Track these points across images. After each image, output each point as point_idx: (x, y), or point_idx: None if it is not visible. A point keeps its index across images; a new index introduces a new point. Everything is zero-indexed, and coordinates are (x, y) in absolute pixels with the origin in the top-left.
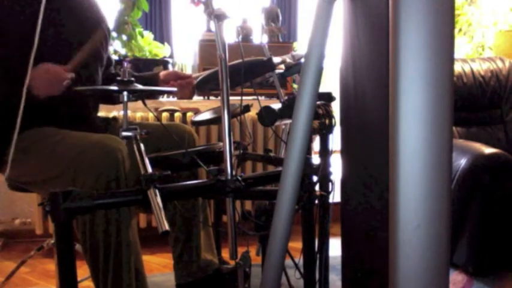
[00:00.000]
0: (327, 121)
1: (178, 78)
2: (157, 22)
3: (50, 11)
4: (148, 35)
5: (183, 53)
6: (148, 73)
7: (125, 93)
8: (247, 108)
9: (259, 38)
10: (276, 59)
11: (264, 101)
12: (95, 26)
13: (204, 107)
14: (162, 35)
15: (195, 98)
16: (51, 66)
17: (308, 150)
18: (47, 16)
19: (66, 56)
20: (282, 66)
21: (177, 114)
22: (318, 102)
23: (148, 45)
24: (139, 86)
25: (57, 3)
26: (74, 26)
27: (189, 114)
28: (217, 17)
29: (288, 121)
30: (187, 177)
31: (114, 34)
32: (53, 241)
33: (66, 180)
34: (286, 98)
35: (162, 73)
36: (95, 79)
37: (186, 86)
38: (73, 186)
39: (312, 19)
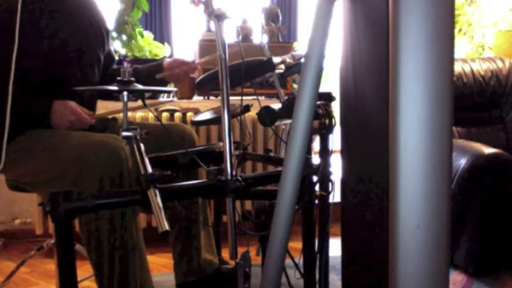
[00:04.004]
0: (327, 121)
1: (182, 64)
2: (157, 22)
3: (48, 13)
4: (148, 35)
5: (183, 53)
6: (152, 63)
7: (125, 93)
8: (247, 108)
9: (259, 38)
10: (276, 59)
11: (264, 101)
12: (94, 28)
13: (204, 107)
14: (162, 35)
15: (195, 98)
16: (77, 110)
17: (308, 150)
18: (45, 19)
19: (64, 57)
20: (282, 66)
21: (177, 114)
22: (318, 102)
23: (148, 45)
24: (140, 86)
25: (56, 5)
26: (73, 28)
27: (189, 114)
28: (217, 17)
29: (288, 121)
30: (187, 177)
31: (114, 34)
32: (53, 241)
33: (69, 180)
34: (286, 98)
35: (166, 61)
36: (91, 79)
37: (190, 72)
38: (76, 186)
39: (312, 19)
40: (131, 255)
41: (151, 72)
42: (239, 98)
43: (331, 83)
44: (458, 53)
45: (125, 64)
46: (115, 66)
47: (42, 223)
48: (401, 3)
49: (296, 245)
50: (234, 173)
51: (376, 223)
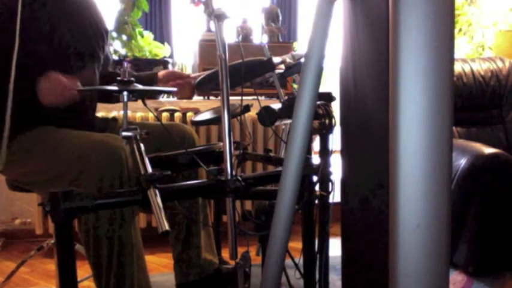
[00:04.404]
0: (327, 121)
1: (177, 77)
2: (157, 22)
3: (48, 13)
4: (148, 35)
5: (183, 53)
6: (147, 73)
7: (125, 93)
8: (247, 108)
9: (259, 38)
10: (276, 59)
11: (264, 101)
12: (93, 28)
13: (204, 107)
14: (162, 35)
15: (195, 98)
16: (63, 80)
17: (308, 150)
18: (45, 19)
19: (65, 59)
20: (282, 66)
21: (177, 114)
22: (318, 102)
23: (148, 45)
24: (140, 86)
25: (56, 5)
26: (72, 28)
27: (189, 114)
28: (217, 17)
29: (288, 121)
30: (187, 177)
31: (114, 34)
32: (53, 241)
33: (69, 180)
34: (286, 98)
35: (161, 73)
36: (93, 79)
37: (184, 86)
38: (76, 186)
39: (312, 19)
40: (129, 256)
41: (146, 83)
42: (239, 98)
43: (331, 83)
44: (458, 53)
45: (125, 64)
46: (110, 69)
47: (42, 223)
48: (401, 3)
49: (296, 245)
50: (234, 173)
51: (376, 223)
